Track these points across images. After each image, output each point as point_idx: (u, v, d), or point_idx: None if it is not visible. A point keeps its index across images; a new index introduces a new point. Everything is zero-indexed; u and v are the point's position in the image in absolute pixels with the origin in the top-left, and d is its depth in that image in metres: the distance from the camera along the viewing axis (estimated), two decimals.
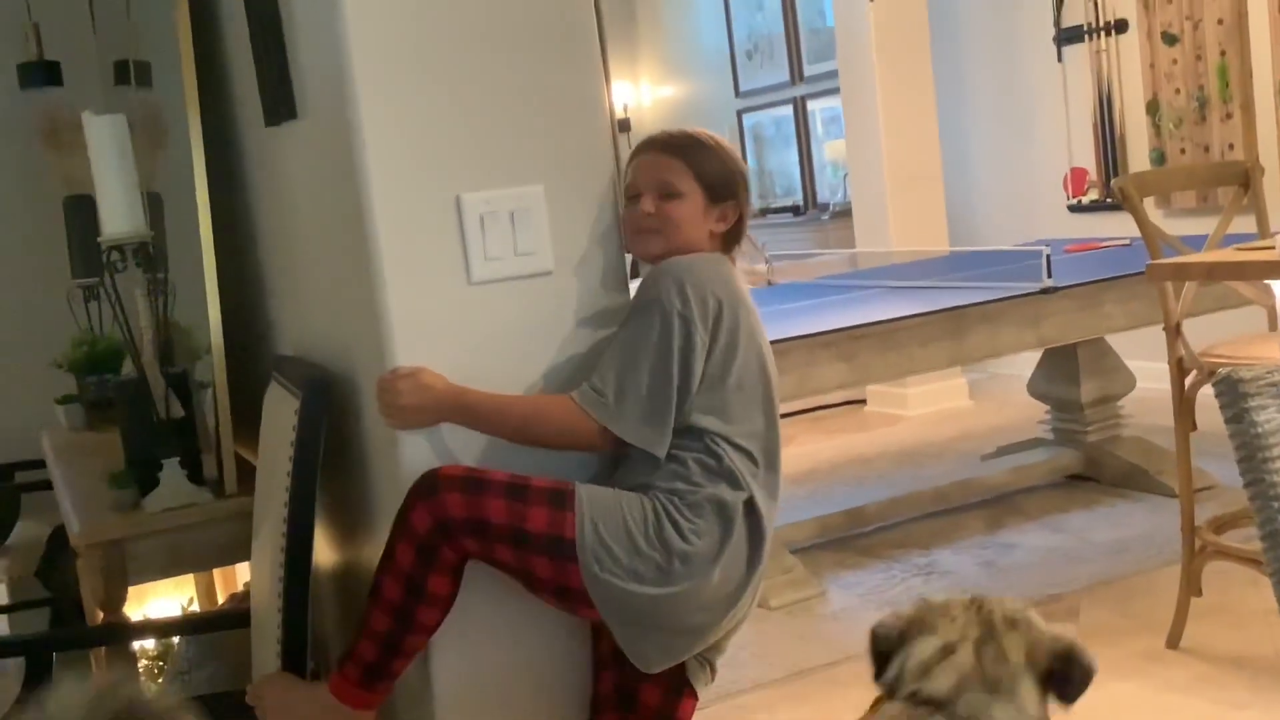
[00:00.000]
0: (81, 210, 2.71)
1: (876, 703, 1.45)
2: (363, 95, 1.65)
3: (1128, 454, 4.34)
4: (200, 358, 2.52)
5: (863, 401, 6.28)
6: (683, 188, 1.80)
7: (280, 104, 1.98)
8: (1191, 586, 2.88)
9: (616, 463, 1.80)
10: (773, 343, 3.47)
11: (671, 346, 1.70)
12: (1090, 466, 4.43)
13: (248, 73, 2.13)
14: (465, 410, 1.71)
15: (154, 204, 2.57)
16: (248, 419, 2.31)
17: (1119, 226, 4.35)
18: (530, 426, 1.73)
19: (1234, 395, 1.27)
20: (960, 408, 6.02)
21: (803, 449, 5.48)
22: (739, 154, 1.91)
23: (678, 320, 1.71)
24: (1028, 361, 4.73)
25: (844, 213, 7.04)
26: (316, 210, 1.97)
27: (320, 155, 1.87)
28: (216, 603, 3.16)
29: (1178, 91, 5.56)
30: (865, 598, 3.56)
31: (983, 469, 4.56)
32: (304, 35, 1.86)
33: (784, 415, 6.32)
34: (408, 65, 1.67)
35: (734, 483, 1.75)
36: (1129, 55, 5.80)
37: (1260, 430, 1.25)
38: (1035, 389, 4.63)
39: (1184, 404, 2.84)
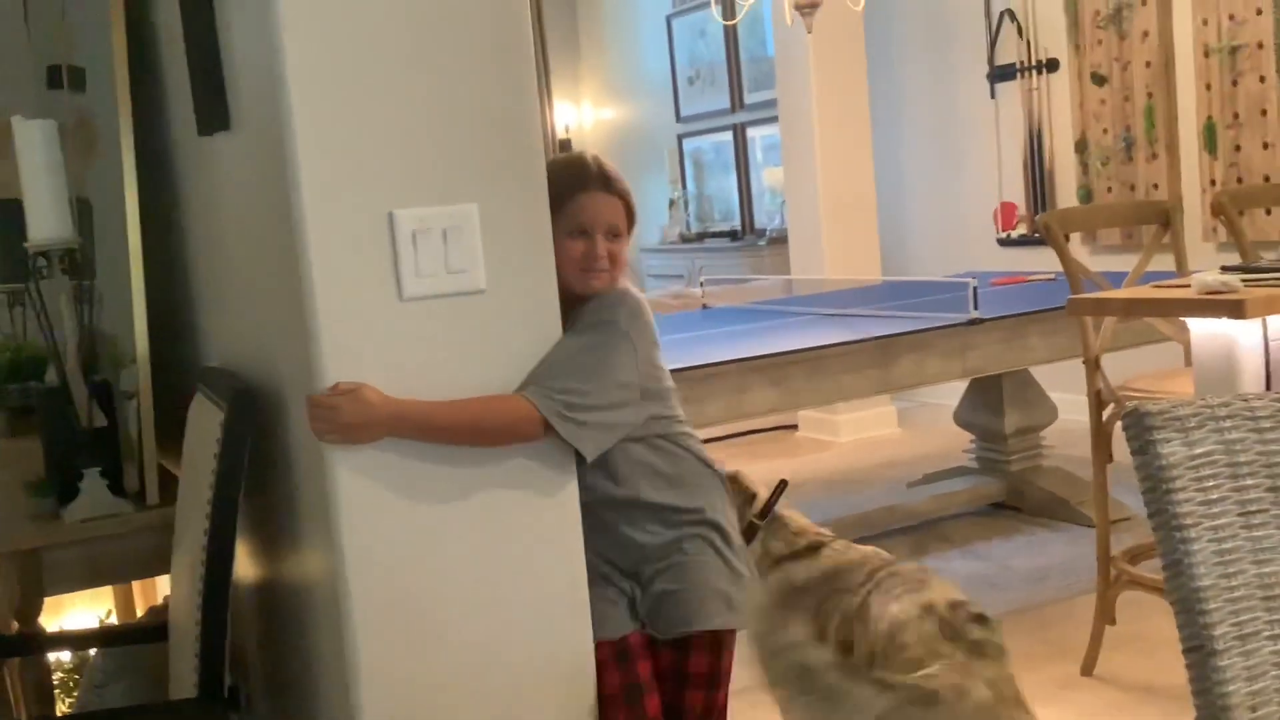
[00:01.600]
0: (8, 214, 2.67)
1: None
2: (297, 108, 1.65)
3: (1049, 484, 4.42)
4: (125, 367, 2.49)
5: (794, 427, 6.34)
6: (624, 228, 1.96)
7: (213, 114, 1.97)
8: (1106, 615, 2.94)
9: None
10: (704, 366, 3.54)
11: (626, 366, 1.85)
12: (1013, 495, 4.51)
13: (182, 81, 2.12)
14: (408, 421, 1.72)
15: (83, 210, 2.54)
16: (171, 430, 2.29)
17: (1046, 261, 4.45)
18: (479, 431, 1.77)
19: (1140, 428, 1.30)
20: (889, 435, 6.10)
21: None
22: None
23: (628, 344, 1.86)
24: (955, 391, 4.81)
25: (780, 239, 7.12)
26: (248, 222, 1.96)
27: (253, 167, 1.86)
28: (135, 615, 3.12)
29: (1105, 131, 5.70)
30: None
31: (909, 495, 4.63)
32: (239, 45, 1.86)
33: (715, 439, 6.34)
34: (343, 80, 1.67)
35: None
36: (1059, 94, 5.94)
37: (1164, 463, 1.29)
38: (961, 418, 4.71)
39: (1101, 436, 2.91)
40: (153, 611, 2.74)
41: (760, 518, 2.38)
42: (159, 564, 2.27)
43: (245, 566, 2.17)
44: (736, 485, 2.29)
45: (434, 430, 1.74)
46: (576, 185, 1.92)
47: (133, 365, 2.36)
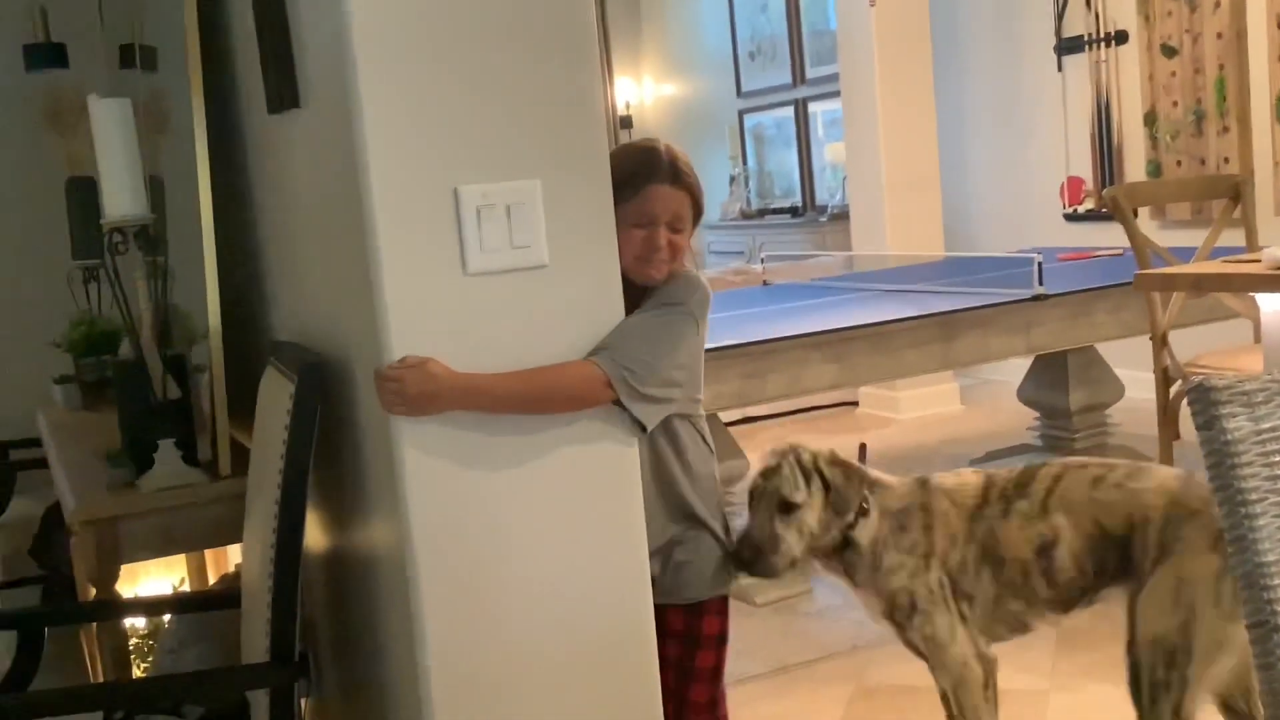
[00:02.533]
0: (83, 192, 2.73)
1: None
2: (364, 86, 1.67)
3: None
4: (198, 341, 2.55)
5: (855, 403, 6.32)
6: (688, 220, 2.01)
7: (283, 92, 2.00)
8: None
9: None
10: (764, 342, 3.54)
11: (688, 349, 1.95)
12: None
13: (252, 60, 2.16)
14: (474, 394, 1.75)
15: (155, 187, 2.59)
16: (243, 402, 2.34)
17: (1113, 236, 4.39)
18: (546, 399, 1.80)
19: (1205, 403, 1.30)
20: (951, 412, 6.06)
21: None
22: None
23: (694, 329, 1.97)
24: (1019, 368, 4.77)
25: (842, 215, 7.08)
26: (316, 198, 2.00)
27: (321, 144, 1.89)
28: (208, 583, 3.19)
29: (1175, 104, 5.60)
30: (850, 597, 3.59)
31: None
32: (308, 24, 1.89)
33: (775, 415, 6.34)
34: (409, 57, 1.70)
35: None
36: (1128, 66, 5.84)
37: (1229, 438, 1.28)
38: (1025, 395, 4.67)
39: (1167, 413, 2.87)
40: (225, 579, 2.81)
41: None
42: (231, 533, 2.33)
43: (315, 535, 2.21)
44: (845, 467, 2.24)
45: (500, 401, 1.76)
46: (645, 176, 1.97)
47: (205, 339, 2.41)
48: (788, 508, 2.18)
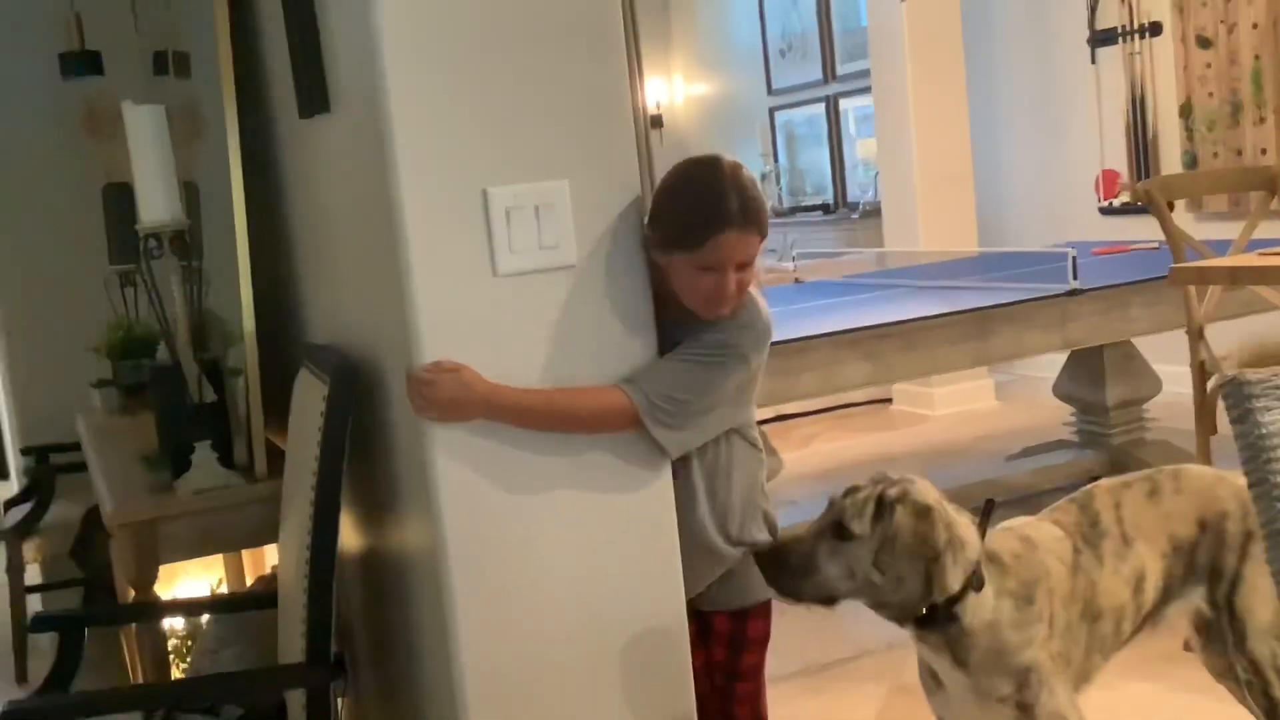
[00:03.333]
0: (120, 198, 2.77)
1: None
2: (394, 89, 1.69)
3: (1151, 457, 4.33)
4: (233, 344, 2.57)
5: (889, 400, 6.29)
6: (756, 254, 1.86)
7: (314, 97, 2.02)
8: None
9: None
10: (797, 340, 3.53)
11: (731, 385, 1.87)
12: (1114, 469, 4.42)
13: (283, 65, 2.18)
14: (502, 406, 1.76)
15: (190, 193, 2.62)
16: (278, 405, 2.36)
17: (1150, 230, 4.34)
18: (570, 420, 1.80)
19: (1239, 397, 1.29)
20: (986, 408, 6.03)
21: (828, 446, 5.50)
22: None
23: (743, 367, 1.87)
24: (1054, 363, 4.73)
25: (873, 212, 7.05)
26: (347, 201, 2.01)
27: (352, 147, 1.91)
28: (244, 584, 3.22)
29: (1211, 95, 5.54)
30: None
31: (1007, 469, 4.57)
32: (338, 29, 1.90)
33: (809, 413, 6.32)
34: (438, 61, 1.71)
35: None
36: (1163, 58, 5.78)
37: (1264, 431, 1.27)
38: (1060, 391, 4.63)
39: (1205, 408, 2.85)
40: (262, 580, 2.83)
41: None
42: (267, 534, 2.35)
43: (349, 537, 2.23)
44: (929, 519, 1.82)
45: (525, 416, 1.77)
46: (716, 223, 1.79)
47: (240, 343, 2.44)
48: (842, 533, 1.83)
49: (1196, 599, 2.07)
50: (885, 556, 1.81)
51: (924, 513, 1.82)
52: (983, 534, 1.87)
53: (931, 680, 1.98)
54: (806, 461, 5.21)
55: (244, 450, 2.46)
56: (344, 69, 1.90)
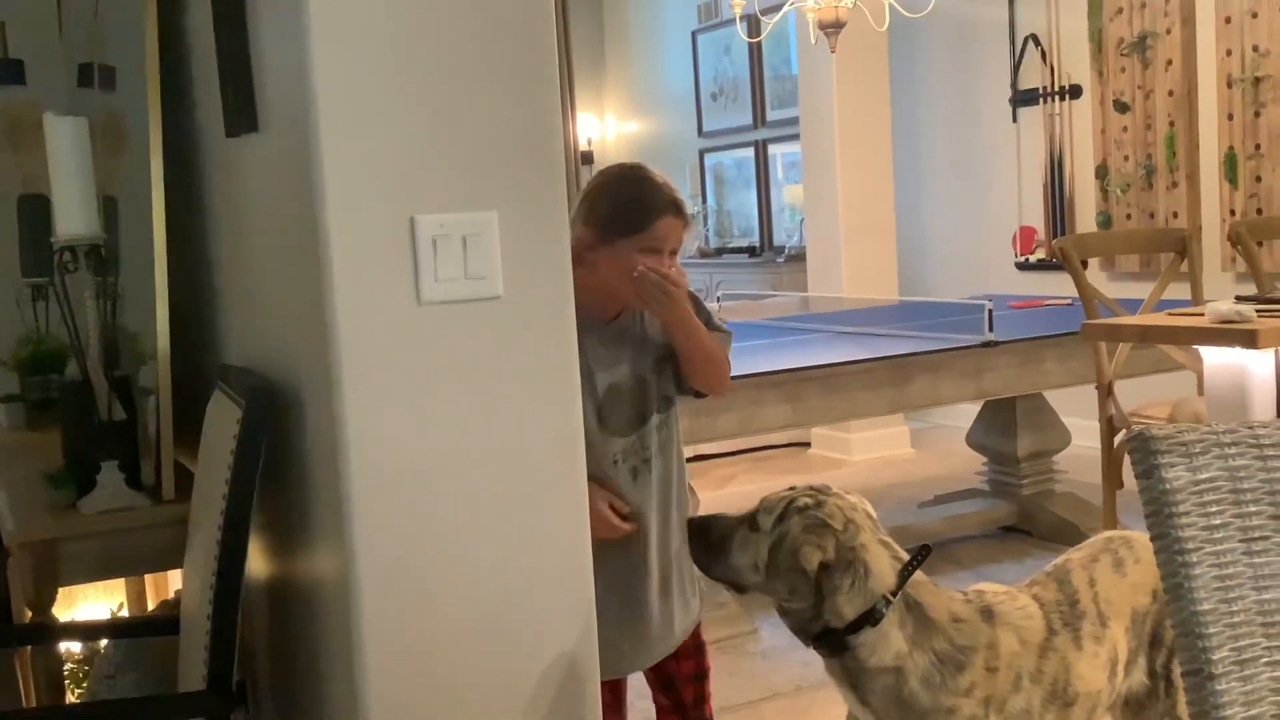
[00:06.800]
0: (35, 209, 2.71)
1: None
2: (323, 113, 1.67)
3: (1060, 509, 4.42)
4: (145, 363, 2.52)
5: (807, 444, 6.34)
6: (680, 246, 2.19)
7: (241, 116, 2.00)
8: None
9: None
10: None
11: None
12: (1023, 519, 4.51)
13: (211, 83, 2.15)
14: (690, 322, 2.17)
15: (109, 208, 2.57)
16: (190, 426, 2.32)
17: (1064, 286, 4.46)
18: (721, 364, 2.23)
19: (1145, 452, 1.32)
20: (902, 455, 6.10)
21: (744, 488, 5.53)
22: None
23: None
24: (968, 413, 4.81)
25: (799, 256, 7.14)
26: (271, 223, 1.99)
27: (278, 169, 1.89)
28: (147, 609, 3.14)
29: (1126, 158, 5.71)
30: (795, 638, 3.59)
31: (920, 516, 4.63)
32: (269, 50, 1.89)
33: (727, 454, 6.34)
34: (371, 87, 1.70)
35: None
36: (1081, 120, 5.95)
37: (1168, 488, 1.30)
38: (974, 440, 4.71)
39: (1112, 461, 2.91)
40: (164, 605, 2.77)
41: (893, 594, 1.81)
42: (173, 558, 2.30)
43: (257, 563, 2.19)
44: (821, 528, 1.82)
45: (696, 334, 2.15)
46: (659, 208, 2.12)
47: (153, 361, 2.39)
48: (754, 525, 1.87)
49: (1139, 673, 2.00)
50: (775, 558, 1.84)
51: (817, 527, 1.81)
52: (905, 577, 1.83)
53: None
54: (723, 501, 5.23)
55: (152, 471, 2.41)
56: (273, 89, 1.89)
